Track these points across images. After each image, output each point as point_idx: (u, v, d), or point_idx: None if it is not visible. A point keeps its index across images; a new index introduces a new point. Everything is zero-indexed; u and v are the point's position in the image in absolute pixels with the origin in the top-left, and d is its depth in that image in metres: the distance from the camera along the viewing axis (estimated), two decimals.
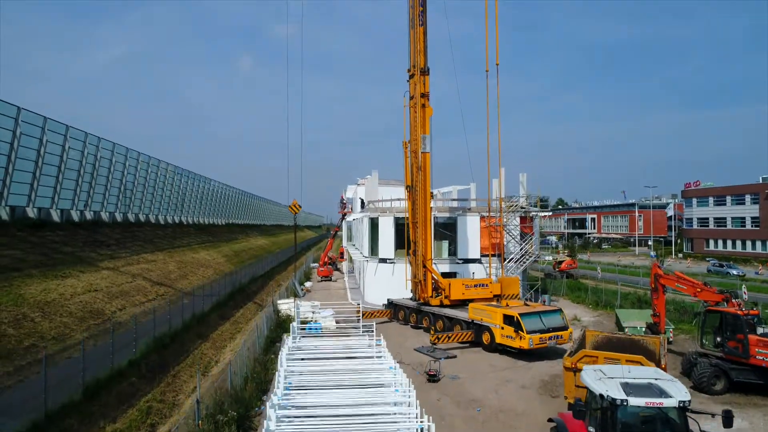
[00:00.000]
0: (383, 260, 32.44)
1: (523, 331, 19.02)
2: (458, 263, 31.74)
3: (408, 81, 25.75)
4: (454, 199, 35.91)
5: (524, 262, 30.85)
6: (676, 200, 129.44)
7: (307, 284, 43.10)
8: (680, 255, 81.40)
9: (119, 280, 33.60)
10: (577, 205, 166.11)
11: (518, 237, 31.94)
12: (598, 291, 38.22)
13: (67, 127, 40.82)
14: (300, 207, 35.04)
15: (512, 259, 31.25)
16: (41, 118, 37.33)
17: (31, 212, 36.76)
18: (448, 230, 32.51)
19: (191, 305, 29.16)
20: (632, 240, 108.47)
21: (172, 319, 25.10)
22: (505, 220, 31.11)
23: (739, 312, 16.45)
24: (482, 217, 31.79)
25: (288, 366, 13.07)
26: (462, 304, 24.71)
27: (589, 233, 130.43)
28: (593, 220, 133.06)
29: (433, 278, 25.25)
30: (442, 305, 24.53)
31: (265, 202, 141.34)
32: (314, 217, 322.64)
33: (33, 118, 36.54)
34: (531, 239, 31.71)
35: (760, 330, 16.24)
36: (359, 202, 48.27)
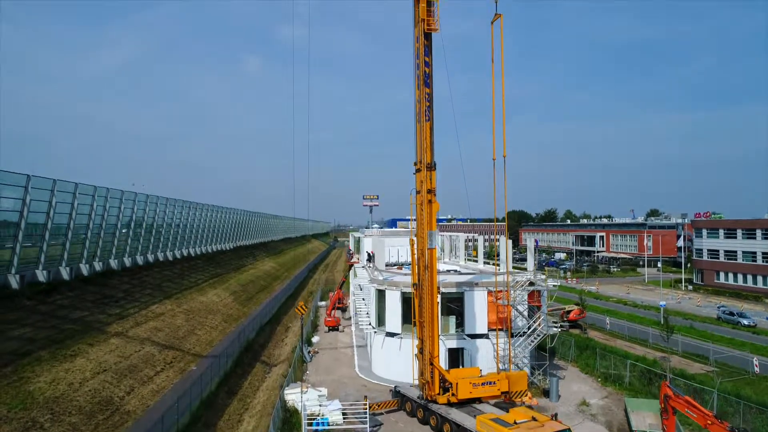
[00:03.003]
0: (390, 334, 32.38)
1: None
2: (465, 339, 31.61)
3: (414, 174, 25.65)
4: (461, 273, 35.77)
5: (532, 341, 30.67)
6: (686, 220, 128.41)
7: (315, 340, 43.11)
8: (689, 287, 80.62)
9: (127, 350, 33.76)
10: (586, 221, 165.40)
11: (526, 312, 31.77)
12: (607, 354, 37.95)
13: (76, 185, 41.22)
14: (307, 308, 34.99)
15: (520, 333, 31.11)
16: (50, 181, 37.69)
17: (41, 275, 37.01)
18: (455, 304, 32.38)
19: (199, 384, 29.19)
20: (641, 262, 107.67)
21: (180, 414, 25.15)
22: (512, 296, 30.92)
23: None
24: (489, 292, 31.64)
25: None
26: (470, 401, 24.61)
27: (598, 251, 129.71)
28: (602, 238, 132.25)
29: (440, 374, 25.17)
30: (449, 403, 24.44)
31: (271, 218, 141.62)
32: (322, 225, 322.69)
33: (42, 182, 36.93)
34: (539, 315, 31.49)
35: None
36: (366, 254, 48.36)
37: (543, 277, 33.87)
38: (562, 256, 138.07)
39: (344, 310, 56.73)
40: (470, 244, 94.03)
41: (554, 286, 33.93)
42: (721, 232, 75.10)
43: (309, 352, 38.00)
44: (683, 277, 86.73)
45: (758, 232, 68.89)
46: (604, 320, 50.47)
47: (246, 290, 69.81)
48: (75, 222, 40.59)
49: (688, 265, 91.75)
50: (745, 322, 49.85)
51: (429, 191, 24.79)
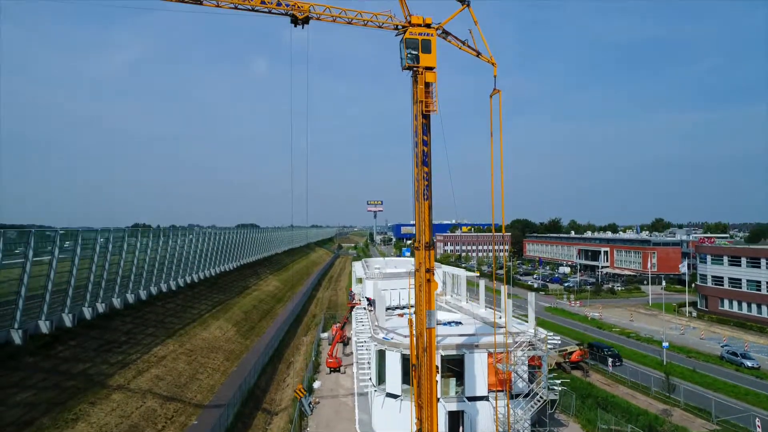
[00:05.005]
0: (390, 395, 32.44)
1: None
2: (465, 402, 31.62)
3: (414, 250, 25.64)
4: (461, 328, 35.71)
5: (533, 407, 30.65)
6: (690, 236, 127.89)
7: (316, 385, 43.20)
8: (693, 313, 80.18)
9: (129, 406, 33.90)
10: (590, 233, 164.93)
11: (526, 376, 31.76)
12: (608, 405, 37.94)
13: (78, 232, 41.58)
14: (305, 391, 35.18)
15: (520, 395, 31.14)
16: (53, 231, 38.05)
17: (44, 326, 37.18)
18: (455, 366, 32.38)
19: None
20: (645, 281, 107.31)
21: None
22: (512, 359, 30.92)
23: None
24: (489, 353, 31.63)
25: None
26: None
27: (602, 266, 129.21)
28: (606, 253, 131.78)
29: None
30: None
31: (273, 231, 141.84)
32: (325, 230, 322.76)
33: (45, 236, 37.31)
34: (540, 380, 31.46)
35: None
36: (365, 300, 48.52)
37: (543, 333, 33.76)
38: (567, 270, 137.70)
39: (346, 343, 56.78)
40: (474, 255, 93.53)
41: (553, 348, 33.82)
42: (725, 259, 74.68)
43: (310, 403, 38.02)
44: (687, 299, 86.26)
45: (763, 262, 68.46)
46: (606, 360, 50.24)
47: (249, 318, 69.96)
48: (77, 267, 40.91)
49: (693, 285, 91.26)
50: (749, 363, 49.42)
51: (428, 270, 24.75)
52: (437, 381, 25.53)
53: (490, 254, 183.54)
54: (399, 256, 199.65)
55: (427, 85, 24.48)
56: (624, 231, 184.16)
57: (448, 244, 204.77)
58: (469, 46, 25.86)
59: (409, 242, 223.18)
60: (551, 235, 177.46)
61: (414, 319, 25.19)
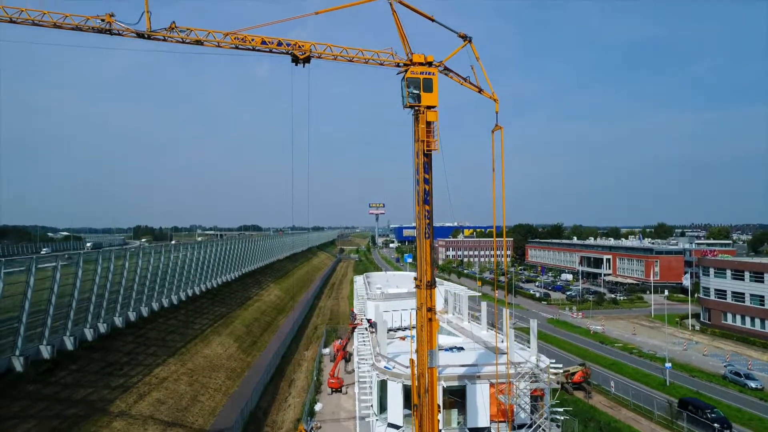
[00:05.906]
0: (392, 425, 32.33)
1: None
2: None
3: (414, 288, 25.51)
4: (463, 365, 35.53)
5: None
6: (693, 245, 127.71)
7: (317, 407, 43.12)
8: (696, 326, 79.87)
9: None
10: (593, 239, 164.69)
11: (528, 408, 31.60)
12: (611, 431, 37.82)
13: (80, 255, 41.56)
14: (306, 431, 35.13)
15: (523, 426, 31.01)
16: (54, 257, 38.08)
17: (45, 351, 37.10)
18: (457, 396, 32.27)
19: None
20: (647, 290, 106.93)
21: None
22: (515, 390, 30.78)
23: None
24: (491, 384, 31.52)
25: None
26: None
27: (604, 274, 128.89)
28: (609, 261, 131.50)
29: None
30: None
31: (275, 237, 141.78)
32: (327, 234, 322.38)
33: (47, 259, 37.39)
34: (542, 413, 31.31)
35: None
36: (368, 315, 48.46)
37: (545, 363, 33.61)
38: (569, 277, 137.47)
39: (348, 360, 56.70)
40: (475, 262, 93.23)
41: (556, 374, 33.75)
42: (729, 272, 74.39)
43: (312, 428, 37.97)
44: (689, 311, 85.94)
45: (766, 276, 68.19)
46: (609, 380, 50.07)
47: (250, 332, 69.88)
48: (79, 290, 40.85)
49: (695, 295, 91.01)
50: (752, 384, 49.07)
51: (429, 309, 24.62)
52: (439, 420, 25.44)
53: (492, 259, 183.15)
54: (399, 259, 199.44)
55: (429, 123, 24.35)
56: (626, 237, 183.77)
57: (450, 249, 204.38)
58: (470, 83, 25.70)
59: (411, 245, 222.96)
60: (553, 241, 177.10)
61: (416, 359, 25.06)
